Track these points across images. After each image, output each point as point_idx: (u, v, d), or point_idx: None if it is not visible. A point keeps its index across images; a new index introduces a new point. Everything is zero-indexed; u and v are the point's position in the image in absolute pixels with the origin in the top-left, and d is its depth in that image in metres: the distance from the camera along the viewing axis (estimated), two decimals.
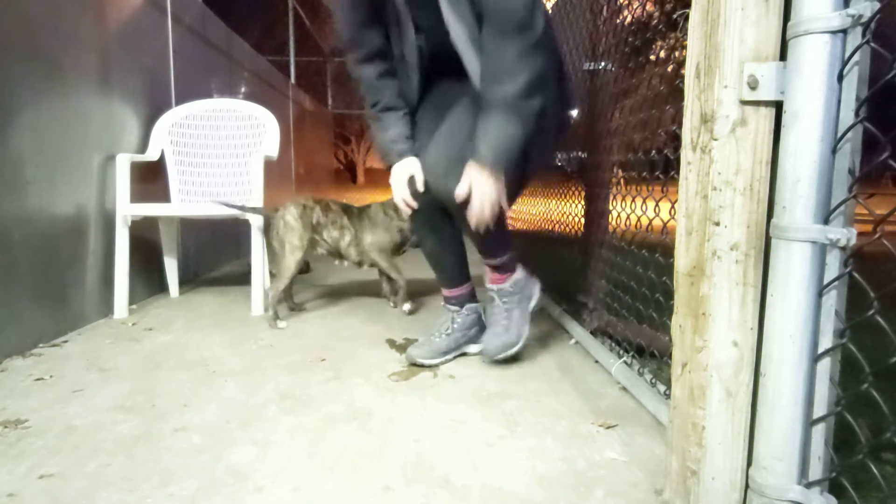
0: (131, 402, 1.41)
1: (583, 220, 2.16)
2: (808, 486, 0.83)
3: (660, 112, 1.43)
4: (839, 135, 0.77)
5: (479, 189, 1.45)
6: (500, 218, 1.59)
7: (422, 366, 1.72)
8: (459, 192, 1.47)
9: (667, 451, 0.99)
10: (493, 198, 1.46)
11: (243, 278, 3.10)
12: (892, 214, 0.76)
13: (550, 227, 2.78)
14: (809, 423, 0.82)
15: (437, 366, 1.72)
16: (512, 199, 1.65)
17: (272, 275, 2.97)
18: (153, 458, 1.13)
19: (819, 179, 0.78)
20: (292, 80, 7.24)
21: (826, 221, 0.78)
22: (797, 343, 0.80)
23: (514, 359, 1.72)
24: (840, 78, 0.76)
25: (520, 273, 1.76)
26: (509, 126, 1.42)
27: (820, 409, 0.82)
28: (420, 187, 1.65)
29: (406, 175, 1.68)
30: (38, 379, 1.57)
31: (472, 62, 1.49)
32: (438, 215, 1.70)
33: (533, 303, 1.78)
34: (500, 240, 1.69)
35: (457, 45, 1.49)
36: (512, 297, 1.74)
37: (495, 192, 1.46)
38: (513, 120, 1.42)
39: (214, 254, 3.57)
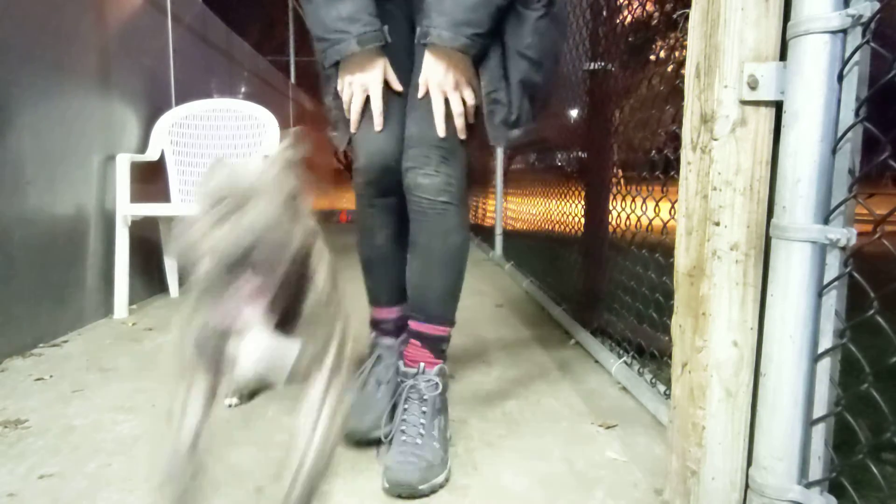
0: (131, 403, 1.41)
1: (583, 220, 2.17)
2: (808, 486, 0.83)
3: (660, 112, 1.43)
4: (839, 135, 0.77)
5: (434, 78, 1.11)
6: (459, 256, 1.19)
7: (368, 441, 1.18)
8: (419, 93, 1.13)
9: (667, 451, 0.99)
10: (454, 83, 1.10)
11: None
12: (892, 214, 0.76)
13: (550, 227, 2.78)
14: (809, 423, 0.82)
15: (384, 438, 1.15)
16: (525, 120, 1.20)
17: None
18: (153, 459, 1.13)
19: (819, 179, 0.78)
20: (292, 79, 7.24)
21: (826, 221, 0.78)
22: (797, 343, 0.80)
23: (513, 359, 1.72)
24: (840, 78, 0.76)
25: (444, 364, 1.21)
26: None
27: (820, 409, 0.82)
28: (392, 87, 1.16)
29: (376, 75, 1.14)
30: (38, 379, 1.57)
31: None
32: (400, 196, 1.19)
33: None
34: (454, 285, 1.22)
35: None
36: (436, 394, 1.15)
37: (455, 78, 1.10)
38: None
39: None
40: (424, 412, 1.12)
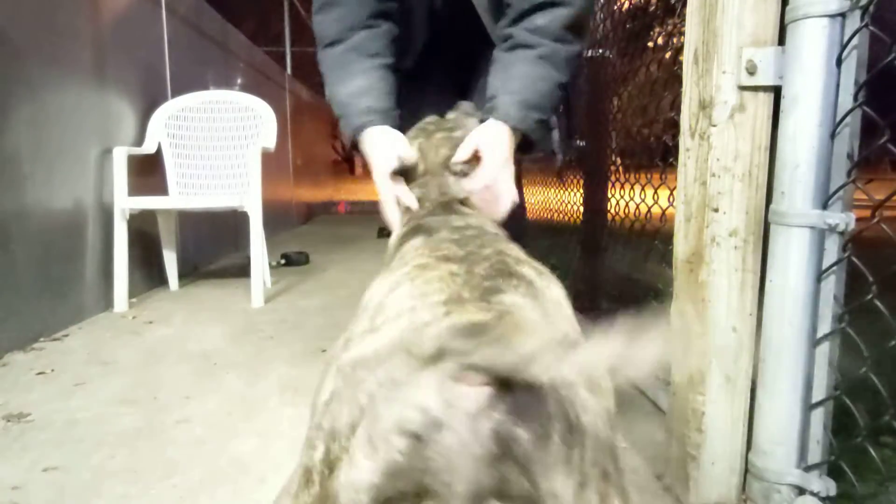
0: (133, 395, 1.42)
1: (581, 209, 2.16)
2: (808, 469, 0.83)
3: (659, 99, 1.42)
4: (838, 119, 0.77)
5: (490, 157, 0.95)
6: None
7: None
8: (459, 155, 0.96)
9: (667, 437, 1.00)
10: (509, 178, 0.98)
11: (243, 270, 3.10)
12: (890, 199, 0.76)
13: (548, 216, 2.78)
14: (808, 407, 0.83)
15: None
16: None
17: (272, 266, 2.97)
18: (156, 451, 1.14)
19: (818, 164, 0.77)
20: (288, 70, 7.20)
21: (825, 206, 0.78)
22: (796, 328, 0.81)
23: None
24: (839, 62, 0.76)
25: None
26: (544, 68, 1.00)
27: (819, 394, 0.83)
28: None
29: (389, 155, 0.98)
30: (39, 373, 1.57)
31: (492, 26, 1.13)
32: None
33: None
34: None
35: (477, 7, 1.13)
36: None
37: (511, 167, 1.00)
38: (550, 62, 1.01)
39: (213, 246, 3.56)
40: None
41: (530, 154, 1.08)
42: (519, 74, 1.00)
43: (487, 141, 0.96)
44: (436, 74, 1.24)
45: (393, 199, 0.95)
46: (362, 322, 0.48)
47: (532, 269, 0.56)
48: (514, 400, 0.38)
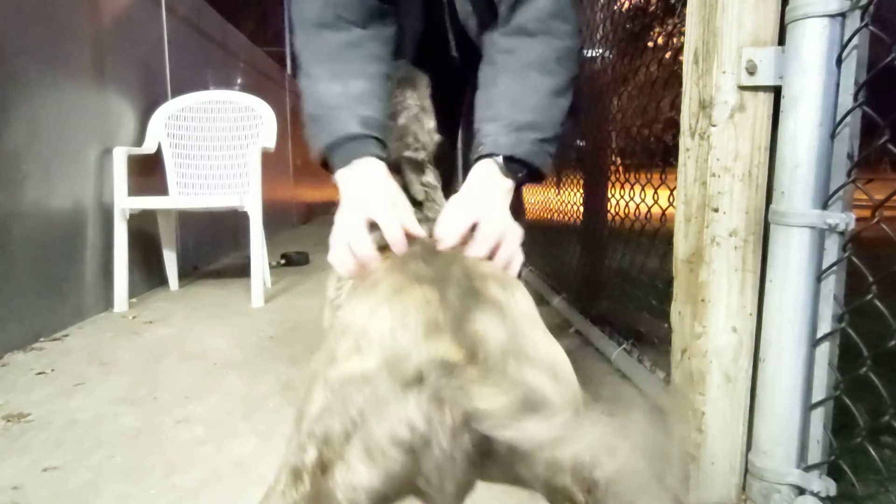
0: (133, 395, 1.42)
1: (581, 209, 2.16)
2: (807, 469, 0.83)
3: (658, 99, 1.42)
4: (838, 119, 0.77)
5: (487, 209, 0.74)
6: None
7: None
8: (450, 227, 0.71)
9: None
10: (515, 230, 0.74)
11: (243, 270, 3.10)
12: (890, 199, 0.76)
13: (549, 216, 2.78)
14: (808, 407, 0.83)
15: None
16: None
17: (272, 266, 2.97)
18: (156, 450, 1.14)
19: (818, 164, 0.77)
20: (288, 70, 7.20)
21: (825, 206, 0.78)
22: (796, 328, 0.81)
23: None
24: (839, 62, 0.76)
25: None
26: (532, 77, 0.82)
27: (819, 394, 0.83)
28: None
29: (380, 205, 0.73)
30: (39, 373, 1.57)
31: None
32: None
33: None
34: None
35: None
36: None
37: (509, 217, 0.76)
38: (538, 68, 0.83)
39: (213, 246, 3.56)
40: None
41: (538, 182, 0.90)
42: (503, 93, 0.83)
43: (476, 199, 0.76)
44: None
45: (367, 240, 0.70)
46: (347, 341, 0.51)
47: (496, 285, 0.58)
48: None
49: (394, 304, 0.52)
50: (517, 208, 1.21)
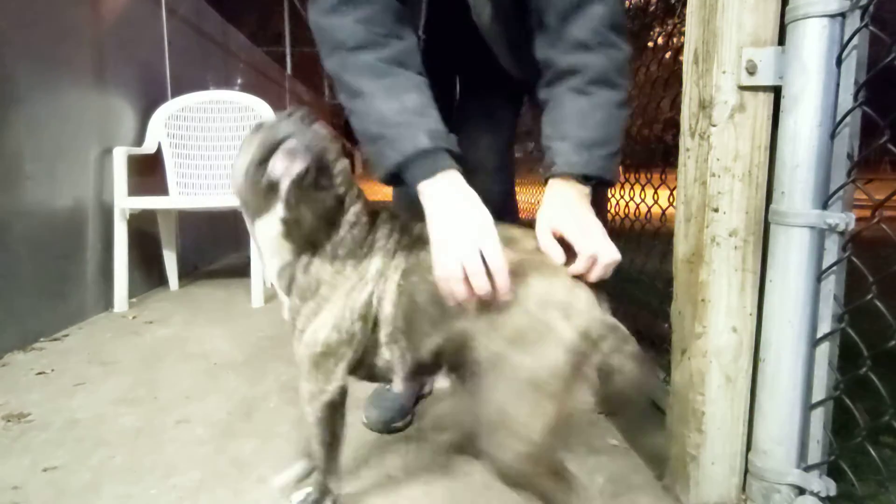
0: (133, 395, 1.42)
1: None
2: (807, 469, 0.83)
3: (658, 99, 1.42)
4: (838, 119, 0.77)
5: (578, 224, 0.80)
6: None
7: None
8: (547, 243, 0.80)
9: (667, 437, 1.00)
10: (605, 237, 0.81)
11: (243, 270, 3.10)
12: (890, 199, 0.76)
13: None
14: (808, 407, 0.83)
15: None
16: None
17: None
18: (156, 451, 1.14)
19: (818, 164, 0.77)
20: (288, 70, 7.20)
21: (825, 206, 0.78)
22: (796, 328, 0.81)
23: None
24: (839, 62, 0.76)
25: None
26: (596, 94, 0.85)
27: (819, 394, 0.83)
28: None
29: (482, 225, 0.78)
30: (39, 373, 1.57)
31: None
32: None
33: None
34: None
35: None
36: None
37: (592, 217, 0.83)
38: (601, 84, 0.85)
39: (213, 246, 3.56)
40: None
41: (607, 188, 0.96)
42: (569, 112, 0.85)
43: (562, 215, 0.81)
44: (435, 64, 0.98)
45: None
46: (554, 312, 0.73)
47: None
48: None
49: (568, 285, 0.75)
50: (512, 209, 1.23)
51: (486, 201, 0.81)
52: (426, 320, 0.79)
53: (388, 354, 0.83)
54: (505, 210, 1.18)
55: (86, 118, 2.20)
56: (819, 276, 0.80)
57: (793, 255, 0.80)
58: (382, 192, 1.35)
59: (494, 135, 1.23)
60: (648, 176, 1.48)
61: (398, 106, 0.83)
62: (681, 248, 0.94)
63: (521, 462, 0.72)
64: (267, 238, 0.86)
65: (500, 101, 1.23)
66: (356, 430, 1.22)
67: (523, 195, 3.57)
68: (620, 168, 1.76)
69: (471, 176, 0.83)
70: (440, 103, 0.87)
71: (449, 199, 0.80)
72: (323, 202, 0.81)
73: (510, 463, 0.72)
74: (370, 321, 0.82)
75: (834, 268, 0.79)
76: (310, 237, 0.83)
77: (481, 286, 0.73)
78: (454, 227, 0.77)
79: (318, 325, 0.83)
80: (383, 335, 0.82)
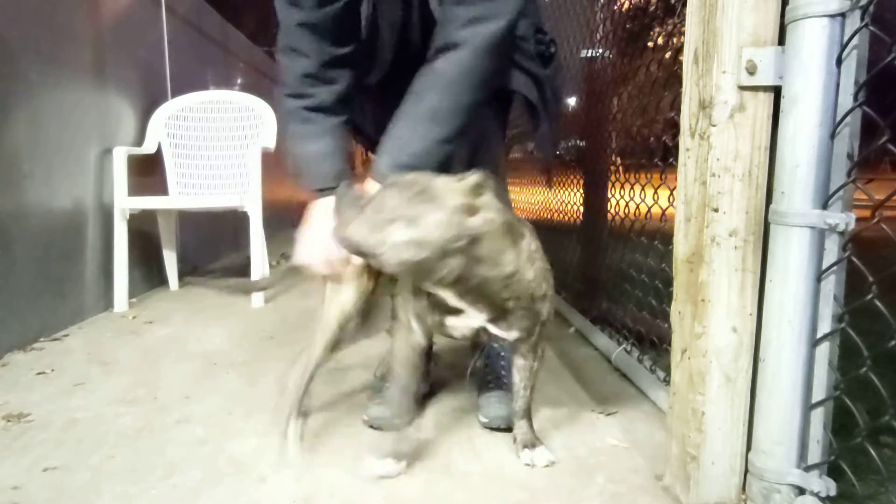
0: (133, 395, 1.42)
1: (581, 208, 2.17)
2: (807, 469, 0.83)
3: (658, 99, 1.42)
4: (838, 119, 0.77)
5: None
6: None
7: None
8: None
9: (667, 437, 1.00)
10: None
11: (243, 270, 3.10)
12: (890, 199, 0.76)
13: (549, 216, 2.78)
14: (808, 407, 0.83)
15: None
16: None
17: (272, 266, 2.97)
18: (156, 450, 1.14)
19: (818, 164, 0.77)
20: None
21: (825, 206, 0.78)
22: (796, 328, 0.81)
23: None
24: (839, 62, 0.76)
25: None
26: (425, 124, 1.03)
27: (819, 394, 0.83)
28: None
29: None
30: (39, 373, 1.57)
31: None
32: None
33: None
34: None
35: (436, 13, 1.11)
36: None
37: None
38: (432, 118, 1.02)
39: (213, 246, 3.56)
40: None
41: None
42: (400, 130, 1.05)
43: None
44: (403, 88, 1.11)
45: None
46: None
47: None
48: None
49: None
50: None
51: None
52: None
53: None
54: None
55: (85, 118, 2.20)
56: (819, 276, 0.80)
57: (793, 255, 0.80)
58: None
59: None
60: (648, 176, 1.48)
61: (309, 150, 1.15)
62: (681, 248, 0.94)
63: None
64: None
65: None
66: (356, 428, 1.22)
67: (523, 195, 3.57)
68: (621, 168, 1.77)
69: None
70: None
71: (317, 216, 1.09)
72: None
73: None
74: None
75: (834, 268, 0.79)
76: None
77: (325, 269, 1.06)
78: (311, 232, 1.09)
79: None
80: None
